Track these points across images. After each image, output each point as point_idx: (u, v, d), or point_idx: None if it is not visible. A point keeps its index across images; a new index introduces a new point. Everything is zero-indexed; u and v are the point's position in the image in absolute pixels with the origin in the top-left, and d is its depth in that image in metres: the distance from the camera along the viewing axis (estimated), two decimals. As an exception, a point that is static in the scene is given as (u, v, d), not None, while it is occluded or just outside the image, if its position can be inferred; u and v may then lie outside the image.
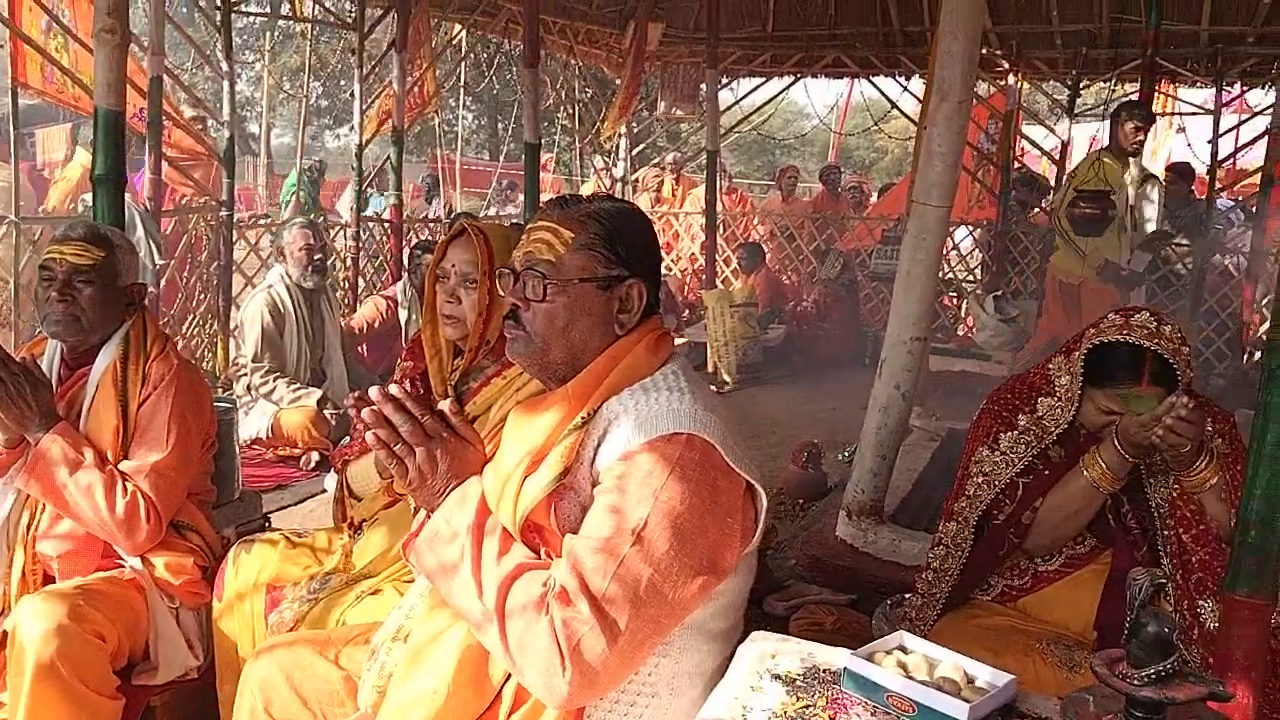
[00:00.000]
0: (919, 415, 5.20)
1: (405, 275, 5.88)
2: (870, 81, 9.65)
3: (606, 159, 11.02)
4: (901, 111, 9.64)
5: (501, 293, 1.61)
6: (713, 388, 6.95)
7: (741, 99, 10.83)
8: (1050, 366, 2.20)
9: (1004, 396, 2.23)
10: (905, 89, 9.27)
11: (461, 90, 14.89)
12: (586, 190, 11.26)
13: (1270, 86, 8.17)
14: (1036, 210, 8.84)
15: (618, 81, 9.51)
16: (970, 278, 9.38)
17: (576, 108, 10.79)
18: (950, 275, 9.23)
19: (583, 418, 1.51)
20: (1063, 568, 2.15)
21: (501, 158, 15.07)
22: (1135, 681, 1.27)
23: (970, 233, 9.50)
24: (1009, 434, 2.17)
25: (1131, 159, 5.99)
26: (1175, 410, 1.87)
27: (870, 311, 8.89)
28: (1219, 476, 1.97)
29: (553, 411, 1.54)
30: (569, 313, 1.54)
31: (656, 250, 1.67)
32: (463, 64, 12.00)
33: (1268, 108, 8.11)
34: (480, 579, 1.45)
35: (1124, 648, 1.33)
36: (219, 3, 5.99)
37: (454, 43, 9.32)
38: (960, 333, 8.74)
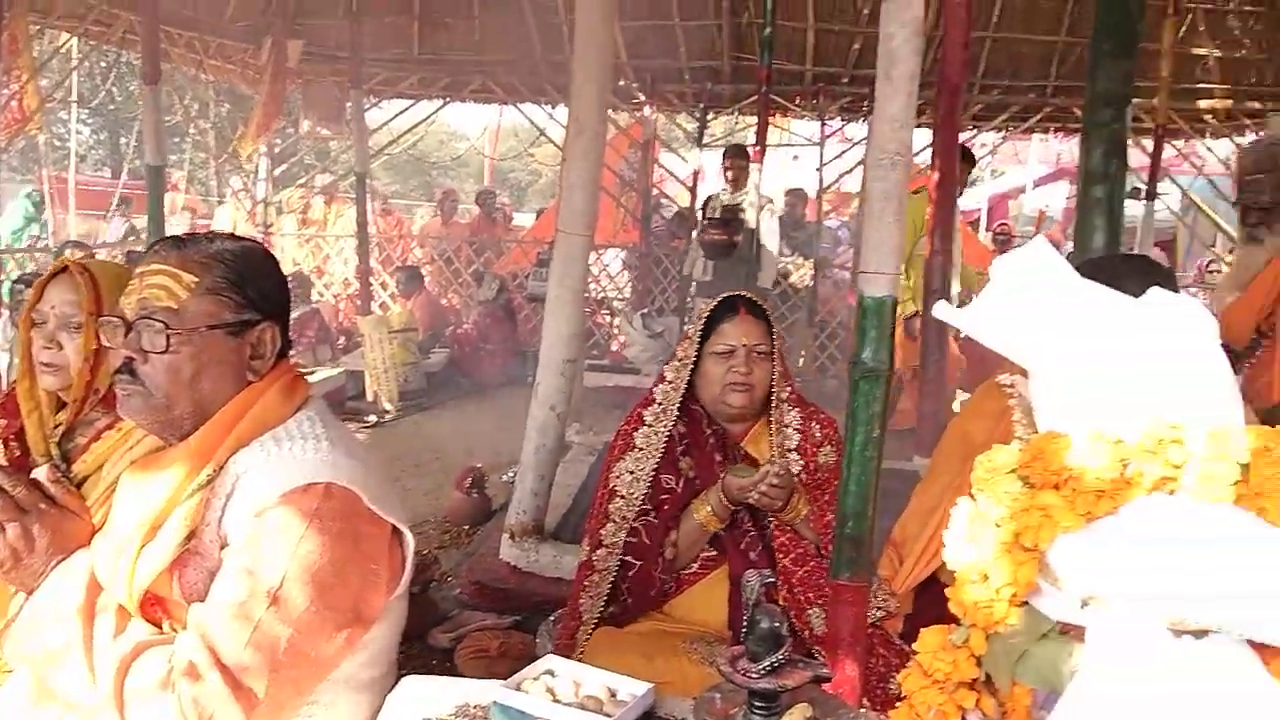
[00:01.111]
0: (577, 431, 5.39)
1: (5, 314, 5.17)
2: (517, 108, 9.88)
3: (246, 179, 10.37)
4: (549, 139, 9.94)
5: (109, 344, 1.47)
6: (373, 418, 6.80)
7: (391, 120, 10.66)
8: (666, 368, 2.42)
9: (632, 413, 2.40)
10: (551, 117, 9.59)
11: (74, 104, 13.38)
12: (224, 212, 10.53)
13: (864, 120, 9.36)
14: (680, 239, 9.50)
15: (256, 97, 9.00)
16: (620, 297, 9.87)
17: (211, 124, 10.07)
18: (603, 295, 9.67)
19: (208, 474, 1.42)
20: (699, 570, 2.33)
21: (124, 175, 13.67)
22: (753, 675, 1.41)
23: (619, 254, 10.01)
24: (641, 430, 2.34)
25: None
26: (768, 479, 2.15)
27: (530, 332, 9.07)
28: (809, 507, 2.26)
29: (174, 469, 1.43)
30: (196, 363, 1.44)
31: (286, 289, 1.60)
32: (74, 75, 10.79)
33: (863, 139, 9.27)
34: (93, 663, 1.31)
35: (743, 644, 1.47)
36: None
37: (62, 51, 8.34)
38: (614, 348, 9.18)
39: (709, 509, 2.25)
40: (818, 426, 2.40)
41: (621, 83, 8.88)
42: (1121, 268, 1.84)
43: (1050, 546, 0.83)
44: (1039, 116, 8.99)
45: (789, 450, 2.35)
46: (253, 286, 1.50)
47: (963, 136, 9.32)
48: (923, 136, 7.03)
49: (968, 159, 6.37)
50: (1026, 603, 0.87)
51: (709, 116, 9.62)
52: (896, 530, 2.47)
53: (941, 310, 0.96)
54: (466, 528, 4.54)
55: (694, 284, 7.36)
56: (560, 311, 3.74)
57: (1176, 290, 1.10)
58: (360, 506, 1.42)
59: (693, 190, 9.62)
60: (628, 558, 2.28)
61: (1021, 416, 1.69)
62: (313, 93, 9.41)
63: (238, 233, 1.79)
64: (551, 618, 2.94)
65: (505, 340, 8.45)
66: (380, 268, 9.68)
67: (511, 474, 4.79)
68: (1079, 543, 0.82)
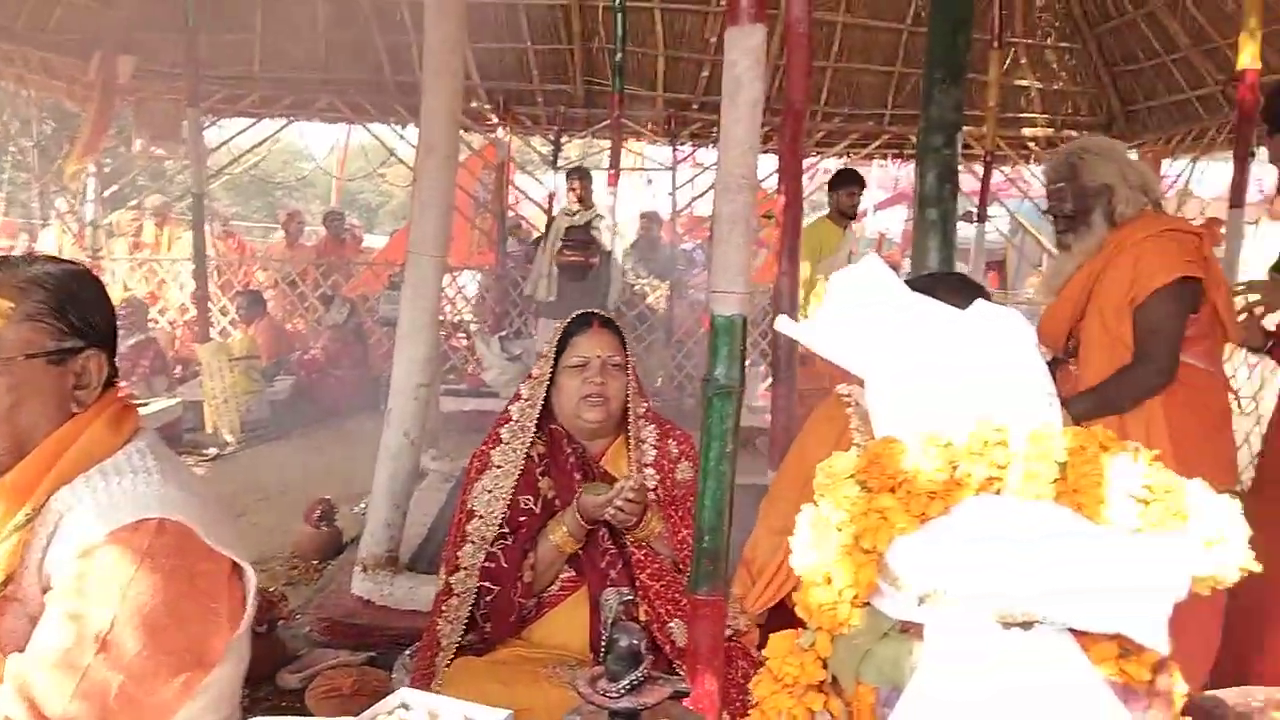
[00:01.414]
0: (433, 458, 5.28)
1: None
2: (366, 128, 9.67)
3: (72, 200, 9.76)
4: (400, 159, 9.76)
5: (-90, 377, 1.35)
6: (213, 450, 6.47)
7: (232, 139, 10.25)
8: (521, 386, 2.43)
9: (490, 433, 2.39)
10: (401, 137, 9.43)
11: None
12: (49, 236, 9.88)
13: (714, 145, 9.60)
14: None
15: (83, 115, 8.49)
16: (477, 320, 9.77)
17: (34, 143, 9.43)
18: (459, 318, 9.54)
19: (27, 514, 1.32)
20: (559, 593, 2.31)
21: (-67, 197, 12.66)
22: (613, 695, 1.41)
23: (475, 276, 9.91)
24: (499, 448, 2.33)
25: (851, 222, 6.49)
26: (624, 494, 2.17)
27: (383, 357, 8.84)
28: (662, 524, 2.30)
29: (-13, 510, 1.33)
30: (14, 395, 1.34)
31: (113, 314, 1.52)
32: (-128, 86, 9.94)
33: (714, 164, 9.51)
34: None
35: (603, 664, 1.47)
36: None
37: None
38: (471, 372, 9.06)
39: (564, 529, 2.25)
40: (674, 443, 2.44)
41: (474, 104, 8.83)
42: (939, 285, 1.94)
43: (888, 547, 0.86)
44: (878, 143, 9.44)
45: (646, 465, 2.37)
46: (75, 312, 1.41)
47: (806, 162, 9.74)
48: (772, 162, 7.26)
49: (857, 182, 6.49)
50: (868, 604, 0.90)
51: (563, 139, 9.67)
52: (748, 548, 2.48)
53: (783, 325, 0.99)
54: (316, 562, 4.36)
55: (536, 305, 7.45)
56: (413, 335, 3.66)
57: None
58: (195, 542, 1.35)
59: (548, 212, 9.64)
60: (485, 583, 2.25)
61: (859, 424, 1.77)
62: (146, 110, 8.94)
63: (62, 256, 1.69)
64: (408, 651, 2.86)
65: (356, 365, 8.22)
66: (220, 293, 9.26)
67: (364, 505, 4.65)
68: (915, 543, 0.86)
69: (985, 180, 7.72)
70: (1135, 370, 2.65)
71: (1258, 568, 0.88)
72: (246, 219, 22.07)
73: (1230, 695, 1.55)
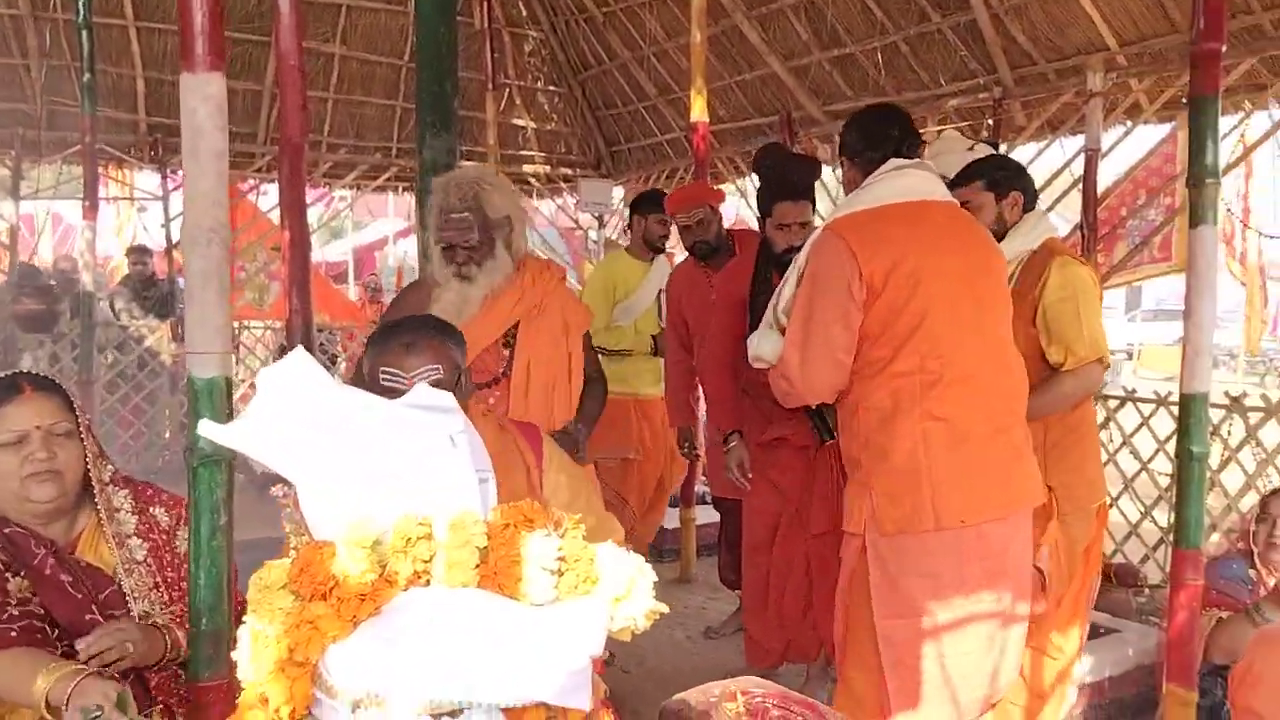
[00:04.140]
0: None
1: None
2: None
3: None
4: None
5: None
6: None
7: None
8: None
9: None
10: None
11: None
12: None
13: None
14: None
15: None
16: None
17: None
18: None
19: None
20: None
21: None
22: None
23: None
24: None
25: (658, 255, 5.16)
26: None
27: None
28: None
29: None
30: None
31: None
32: None
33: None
34: None
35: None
36: None
37: None
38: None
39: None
40: (161, 510, 2.20)
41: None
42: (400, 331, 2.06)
43: (321, 657, 0.85)
44: (388, 175, 9.42)
45: (128, 537, 2.11)
46: None
47: (315, 193, 9.47)
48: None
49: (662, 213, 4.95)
50: (310, 714, 0.88)
51: (28, 165, 8.40)
52: None
53: (204, 429, 0.93)
54: None
55: None
56: None
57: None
58: None
59: (11, 247, 8.32)
60: None
61: (293, 529, 1.72)
62: None
63: None
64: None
65: None
66: None
67: None
68: (347, 649, 0.85)
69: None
70: None
71: (664, 608, 1.01)
72: None
73: (692, 695, 1.76)
